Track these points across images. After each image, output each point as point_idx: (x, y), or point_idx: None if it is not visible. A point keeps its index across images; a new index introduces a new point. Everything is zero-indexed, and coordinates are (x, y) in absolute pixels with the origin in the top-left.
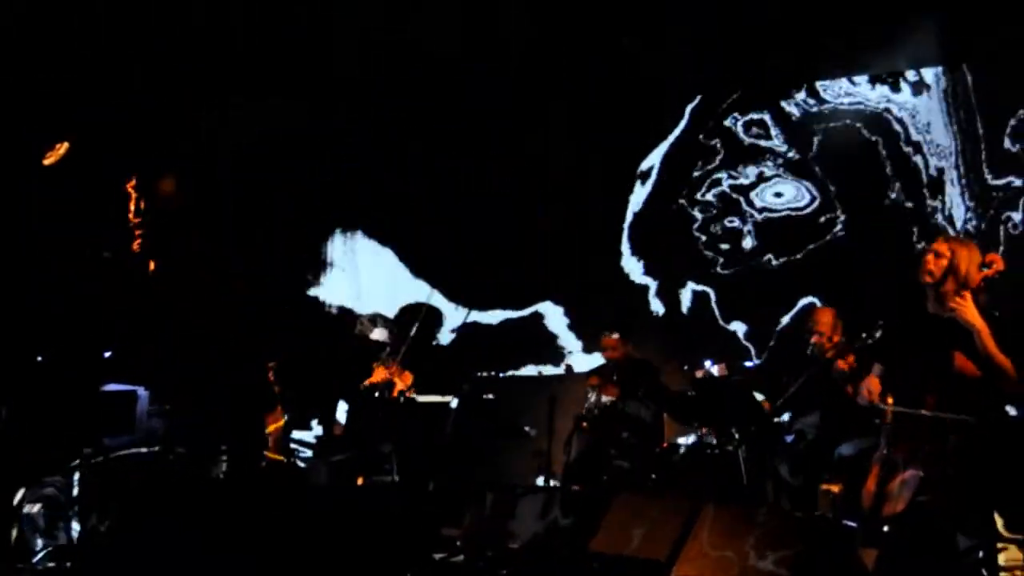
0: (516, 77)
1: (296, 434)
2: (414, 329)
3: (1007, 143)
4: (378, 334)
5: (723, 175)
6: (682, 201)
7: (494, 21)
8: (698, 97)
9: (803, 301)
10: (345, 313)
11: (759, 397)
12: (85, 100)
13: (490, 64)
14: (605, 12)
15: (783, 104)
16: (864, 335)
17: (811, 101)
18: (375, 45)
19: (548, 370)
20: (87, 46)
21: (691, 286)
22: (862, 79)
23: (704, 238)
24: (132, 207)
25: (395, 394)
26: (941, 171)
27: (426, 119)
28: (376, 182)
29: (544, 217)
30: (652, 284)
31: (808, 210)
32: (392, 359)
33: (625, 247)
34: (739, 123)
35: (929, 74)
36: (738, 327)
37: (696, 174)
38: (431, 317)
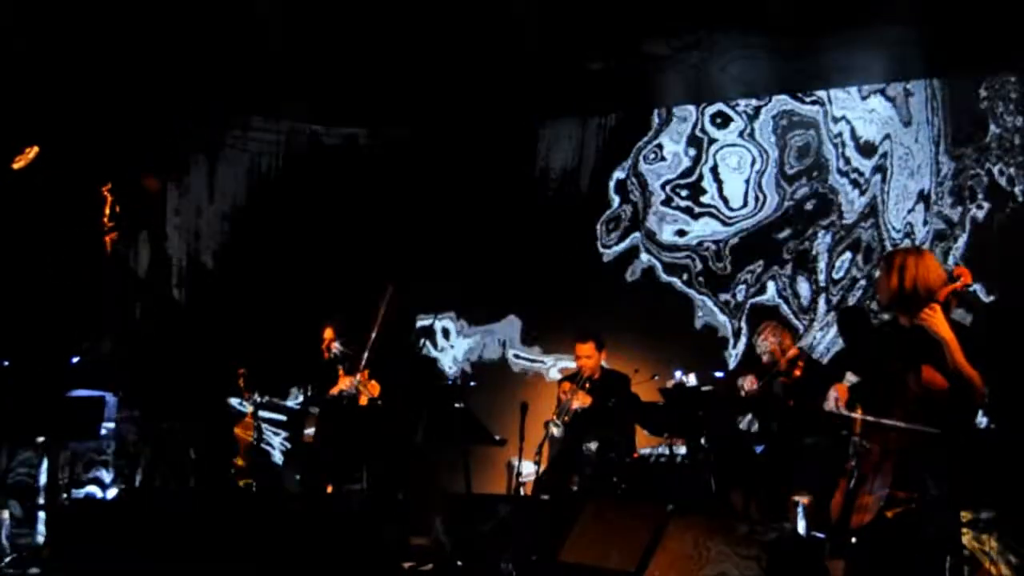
0: None
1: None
2: (373, 337)
3: None
4: (336, 347)
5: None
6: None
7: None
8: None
9: None
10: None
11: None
12: (60, 104)
13: None
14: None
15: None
16: None
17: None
18: None
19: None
20: (63, 49)
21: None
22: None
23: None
24: (107, 210)
25: (362, 403)
26: None
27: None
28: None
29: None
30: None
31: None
32: (357, 367)
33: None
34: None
35: None
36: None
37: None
38: (400, 324)
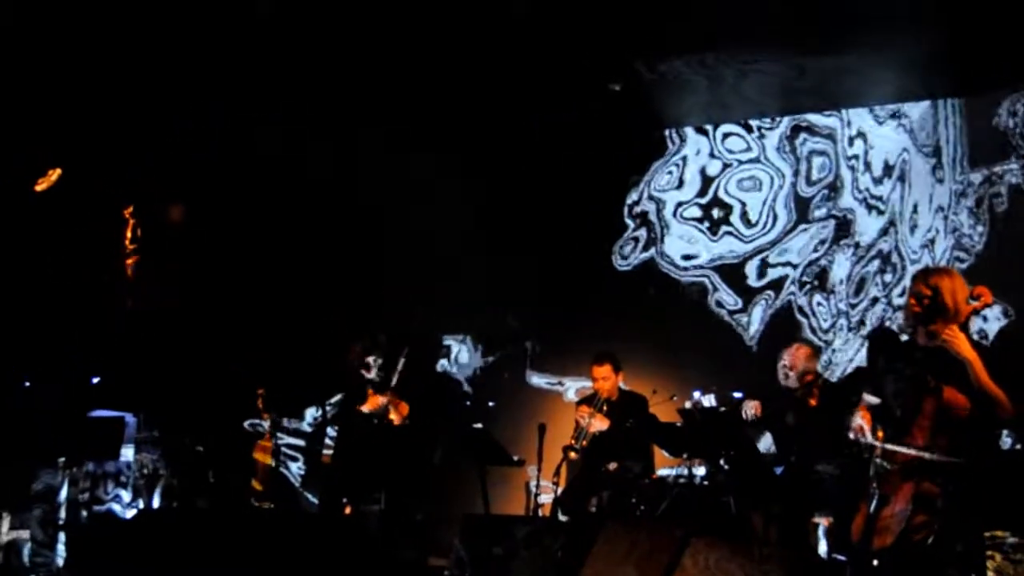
0: None
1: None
2: (401, 361)
3: None
4: (374, 374)
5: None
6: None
7: None
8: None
9: None
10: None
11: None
12: (83, 127)
13: None
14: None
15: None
16: None
17: None
18: None
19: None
20: (84, 70)
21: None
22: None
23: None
24: (128, 233)
25: (393, 423)
26: None
27: None
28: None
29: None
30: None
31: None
32: (387, 388)
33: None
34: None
35: None
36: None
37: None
38: (429, 346)
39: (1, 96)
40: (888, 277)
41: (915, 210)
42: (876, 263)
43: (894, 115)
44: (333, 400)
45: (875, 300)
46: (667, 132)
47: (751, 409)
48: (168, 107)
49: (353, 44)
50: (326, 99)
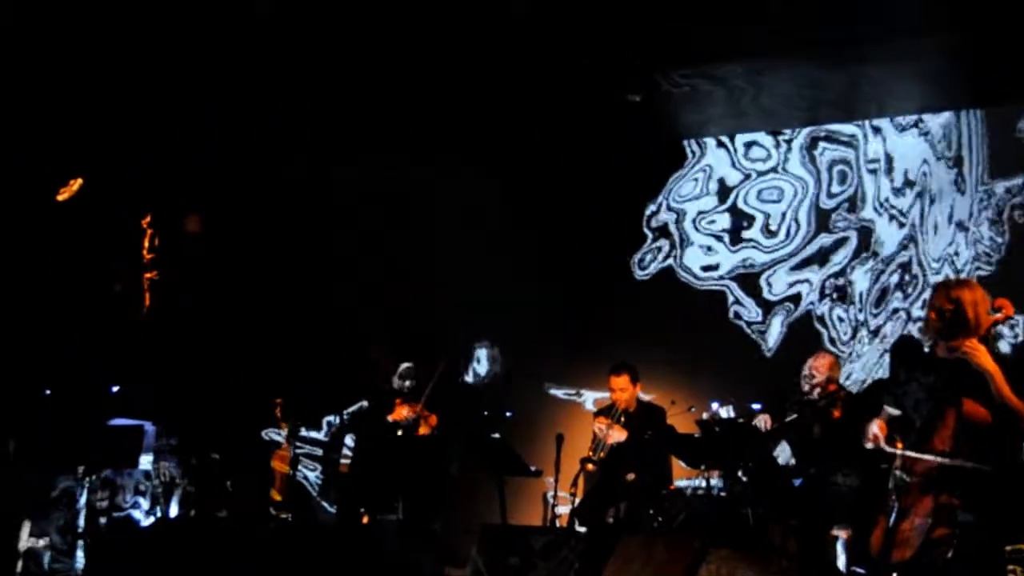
0: None
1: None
2: (437, 375)
3: None
4: (397, 383)
5: None
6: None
7: None
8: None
9: None
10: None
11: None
12: (102, 137)
13: None
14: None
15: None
16: None
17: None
18: None
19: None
20: (108, 83)
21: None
22: None
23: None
24: (146, 243)
25: (424, 432)
26: None
27: None
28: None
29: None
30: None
31: None
32: (418, 399)
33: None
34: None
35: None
36: None
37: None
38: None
39: (23, 106)
40: (909, 288)
41: (936, 221)
42: (896, 275)
43: (915, 125)
44: (352, 409)
45: (895, 311)
46: (686, 143)
47: (763, 423)
48: (182, 113)
49: (384, 65)
50: (352, 119)
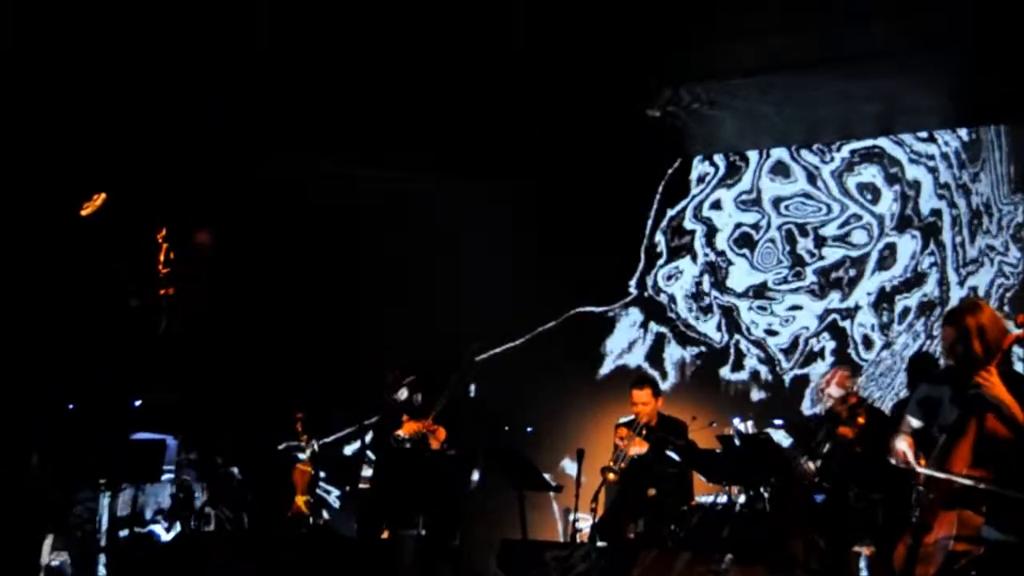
0: None
1: None
2: (447, 391)
3: None
4: (403, 394)
5: None
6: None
7: None
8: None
9: None
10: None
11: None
12: (123, 151)
13: None
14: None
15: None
16: None
17: None
18: None
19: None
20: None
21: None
22: None
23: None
24: (162, 257)
25: (434, 447)
26: None
27: None
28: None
29: None
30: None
31: None
32: (426, 414)
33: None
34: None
35: None
36: None
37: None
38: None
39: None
40: (931, 304)
41: (958, 235)
42: (919, 289)
43: (937, 141)
44: (367, 423)
45: (912, 327)
46: (704, 159)
47: (808, 468)
48: (192, 119)
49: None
50: (379, 133)
